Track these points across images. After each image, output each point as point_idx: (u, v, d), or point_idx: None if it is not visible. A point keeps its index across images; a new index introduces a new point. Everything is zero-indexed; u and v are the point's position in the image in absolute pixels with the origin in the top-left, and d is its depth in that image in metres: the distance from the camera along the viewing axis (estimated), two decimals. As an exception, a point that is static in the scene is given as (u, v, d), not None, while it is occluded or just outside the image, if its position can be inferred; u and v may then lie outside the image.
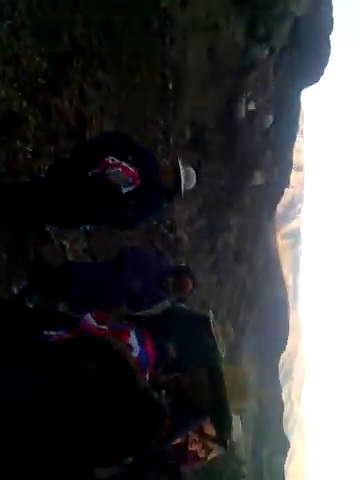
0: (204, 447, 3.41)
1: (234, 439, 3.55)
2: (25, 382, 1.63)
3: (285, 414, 31.01)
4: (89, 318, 1.81)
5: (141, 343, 1.82)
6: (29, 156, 3.93)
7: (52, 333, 1.82)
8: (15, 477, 1.61)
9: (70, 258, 4.70)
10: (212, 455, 3.51)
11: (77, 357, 1.68)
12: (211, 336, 3.74)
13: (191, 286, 3.83)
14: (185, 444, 3.29)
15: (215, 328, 3.80)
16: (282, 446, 27.20)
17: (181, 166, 3.46)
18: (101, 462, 1.91)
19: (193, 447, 3.34)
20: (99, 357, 1.65)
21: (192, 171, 3.60)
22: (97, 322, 1.80)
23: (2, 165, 3.50)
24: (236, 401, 1.99)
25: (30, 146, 3.91)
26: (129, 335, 1.79)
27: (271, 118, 15.38)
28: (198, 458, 3.41)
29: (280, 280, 27.68)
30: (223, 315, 16.45)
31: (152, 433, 1.91)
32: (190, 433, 3.36)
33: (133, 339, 1.78)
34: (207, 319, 3.82)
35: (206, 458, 3.47)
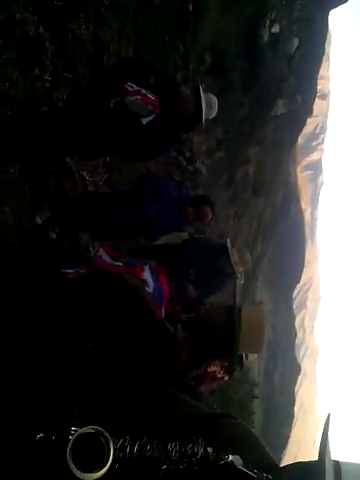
0: (222, 367, 3.62)
1: (250, 358, 3.74)
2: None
3: (297, 341, 32.05)
4: (103, 254, 1.84)
5: (155, 279, 1.86)
6: (47, 84, 3.85)
7: (69, 271, 1.87)
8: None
9: (90, 189, 4.73)
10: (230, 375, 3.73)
11: (93, 293, 1.76)
12: (229, 263, 3.81)
13: (210, 215, 3.87)
14: (205, 366, 3.49)
15: (233, 256, 3.85)
16: (293, 371, 28.40)
17: (203, 93, 3.36)
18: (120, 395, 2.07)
19: (212, 368, 3.54)
20: (114, 292, 1.73)
21: (214, 98, 3.50)
22: (111, 258, 1.84)
23: (22, 94, 3.45)
24: (252, 344, 2.07)
25: (48, 74, 3.82)
26: (143, 270, 1.81)
27: (296, 42, 14.55)
28: (216, 378, 3.62)
29: (298, 214, 27.52)
30: (240, 247, 16.61)
31: (167, 365, 2.03)
32: None
33: (147, 274, 1.80)
34: (225, 247, 3.86)
35: (223, 378, 3.69)
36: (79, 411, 1.91)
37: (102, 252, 1.87)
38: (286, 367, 26.83)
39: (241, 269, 3.86)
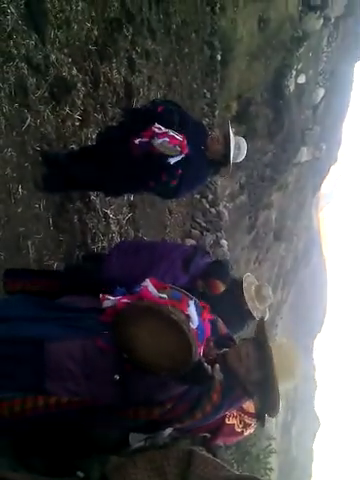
0: (242, 421, 3.42)
1: (272, 417, 3.51)
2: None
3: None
4: (149, 285, 1.78)
5: (199, 315, 1.78)
6: (77, 123, 3.93)
7: (110, 298, 1.83)
8: None
9: (113, 227, 4.73)
10: (249, 430, 3.51)
11: (137, 323, 1.70)
12: (243, 299, 3.61)
13: (221, 289, 3.66)
14: (223, 417, 3.30)
15: (249, 291, 3.64)
16: (313, 425, 27.21)
17: (232, 135, 3.37)
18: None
19: (231, 421, 3.35)
20: (159, 325, 1.66)
21: (244, 142, 3.49)
22: (157, 290, 1.77)
23: (51, 131, 3.52)
24: (285, 378, 1.93)
25: (78, 113, 3.91)
26: (188, 305, 1.74)
27: (321, 92, 14.80)
28: (235, 432, 3.42)
29: (320, 260, 27.17)
30: (261, 283, 16.33)
31: (199, 406, 1.92)
32: None
33: (192, 310, 1.73)
34: (240, 283, 3.67)
35: (243, 433, 3.47)
36: (84, 472, 1.80)
37: (148, 282, 1.81)
38: (305, 421, 25.75)
39: (259, 307, 3.67)
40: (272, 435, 12.37)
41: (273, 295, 4.00)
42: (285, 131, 13.60)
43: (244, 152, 3.56)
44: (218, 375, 1.92)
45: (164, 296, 1.72)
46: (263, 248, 15.81)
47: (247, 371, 1.95)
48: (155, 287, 1.77)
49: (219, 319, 2.18)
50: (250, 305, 3.56)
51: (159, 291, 1.75)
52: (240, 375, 1.96)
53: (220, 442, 3.82)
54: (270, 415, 2.15)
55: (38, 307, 1.99)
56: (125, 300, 1.78)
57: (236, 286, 3.73)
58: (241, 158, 3.60)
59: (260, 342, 1.96)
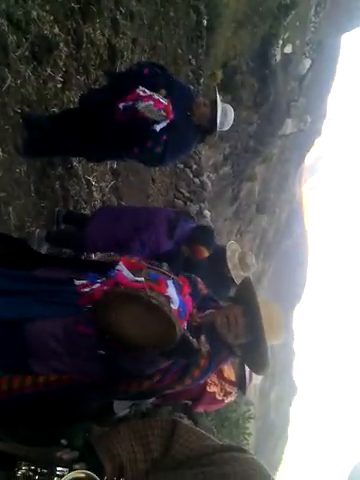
0: (222, 390, 3.46)
1: (257, 382, 3.57)
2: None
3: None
4: (122, 268, 1.72)
5: (179, 293, 1.75)
6: (59, 85, 3.80)
7: (84, 283, 1.77)
8: None
9: (96, 195, 4.65)
10: (230, 398, 3.57)
11: (117, 313, 1.67)
12: (226, 267, 3.60)
13: (206, 254, 3.64)
14: (204, 385, 3.34)
15: (232, 260, 3.62)
16: (290, 392, 28.05)
17: (220, 101, 3.29)
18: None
19: (212, 389, 3.39)
20: (139, 311, 1.64)
21: (231, 109, 3.41)
22: (132, 272, 1.72)
23: (33, 93, 3.39)
24: (270, 337, 1.94)
25: (60, 75, 3.77)
26: (167, 286, 1.69)
27: (308, 63, 14.63)
28: (216, 400, 3.47)
29: (302, 233, 27.45)
30: (246, 251, 16.48)
31: (188, 373, 1.93)
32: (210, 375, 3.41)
33: (171, 290, 1.69)
34: (224, 251, 3.67)
35: (223, 401, 3.53)
36: (67, 441, 1.80)
37: (121, 266, 1.75)
38: (283, 387, 26.52)
39: (243, 274, 3.66)
40: (251, 401, 12.69)
41: (255, 262, 4.00)
42: (271, 102, 13.45)
43: (231, 119, 3.48)
44: (204, 347, 1.92)
45: (141, 279, 1.66)
46: (245, 220, 15.87)
47: (235, 337, 1.95)
48: (130, 268, 1.72)
49: (198, 280, 2.15)
50: (233, 273, 3.57)
51: (135, 273, 1.70)
52: (228, 340, 1.96)
53: (201, 409, 3.89)
54: (259, 373, 2.16)
55: (12, 279, 1.91)
56: (102, 288, 1.72)
57: (220, 254, 3.73)
58: (228, 126, 3.52)
59: (249, 306, 1.94)
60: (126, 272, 1.71)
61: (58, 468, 1.10)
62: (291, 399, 28.96)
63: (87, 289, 1.77)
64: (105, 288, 1.71)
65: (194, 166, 8.81)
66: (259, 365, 2.05)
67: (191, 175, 8.63)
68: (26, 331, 1.77)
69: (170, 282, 1.73)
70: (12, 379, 1.79)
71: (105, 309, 1.69)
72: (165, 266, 2.06)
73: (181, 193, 8.14)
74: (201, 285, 2.12)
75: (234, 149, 12.99)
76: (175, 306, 1.67)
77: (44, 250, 3.57)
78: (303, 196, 27.74)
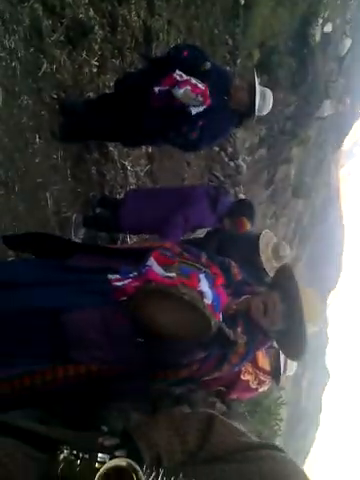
0: (256, 378, 3.45)
1: (289, 373, 3.53)
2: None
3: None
4: (153, 263, 1.70)
5: (212, 285, 1.72)
6: (94, 69, 3.78)
7: (118, 278, 1.76)
8: None
9: (131, 179, 4.65)
10: (263, 387, 3.54)
11: (149, 306, 1.66)
12: (259, 258, 3.52)
13: (248, 226, 3.61)
14: (238, 373, 3.33)
15: (266, 251, 3.53)
16: (323, 378, 27.81)
17: (258, 85, 3.19)
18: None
19: (246, 377, 3.38)
20: (173, 308, 1.62)
21: (270, 93, 3.31)
22: (163, 268, 1.70)
23: (68, 78, 3.39)
24: (308, 325, 1.89)
25: (96, 59, 3.74)
26: (199, 280, 1.67)
27: (348, 42, 14.06)
28: (249, 388, 3.46)
29: (338, 218, 26.82)
30: (279, 241, 16.28)
31: (226, 360, 1.91)
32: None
33: (204, 284, 1.66)
34: (257, 239, 3.58)
35: (257, 389, 3.52)
36: (109, 429, 1.82)
37: (152, 261, 1.73)
38: (316, 374, 26.30)
39: (276, 265, 3.57)
40: (283, 386, 12.65)
41: (290, 252, 3.90)
42: (309, 83, 13.05)
43: (270, 104, 3.38)
44: (241, 338, 1.89)
45: (172, 275, 1.64)
46: (280, 203, 15.60)
47: (272, 323, 1.91)
48: (161, 263, 1.70)
49: (232, 263, 2.09)
50: (267, 265, 3.47)
51: (166, 268, 1.67)
52: (264, 327, 1.92)
53: (235, 396, 3.89)
54: (294, 359, 2.12)
55: (47, 270, 1.92)
56: (134, 284, 1.70)
57: (253, 242, 3.64)
58: (267, 110, 3.42)
59: (287, 292, 1.88)
60: (157, 268, 1.70)
61: (99, 454, 1.10)
62: (324, 386, 28.71)
63: (119, 284, 1.76)
64: (136, 284, 1.71)
65: (229, 149, 8.70)
66: (295, 352, 1.99)
67: (226, 158, 8.52)
68: (64, 321, 1.78)
69: (202, 276, 1.70)
70: (56, 369, 1.81)
71: (138, 306, 1.69)
72: (203, 255, 2.00)
73: (216, 177, 8.06)
74: (235, 269, 2.06)
75: (270, 131, 12.71)
76: (209, 301, 1.65)
77: (81, 234, 3.61)
78: (340, 181, 27.02)
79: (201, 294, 1.64)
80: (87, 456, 1.09)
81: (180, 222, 3.39)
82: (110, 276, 1.79)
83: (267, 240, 3.49)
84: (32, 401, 1.93)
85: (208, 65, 3.10)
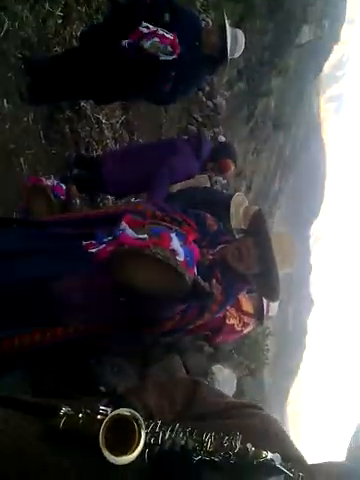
0: (241, 321, 3.62)
1: (271, 314, 3.70)
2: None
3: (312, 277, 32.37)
4: (125, 227, 1.75)
5: (184, 242, 1.79)
6: (59, 21, 3.58)
7: (92, 242, 1.81)
8: None
9: (107, 133, 4.55)
10: (248, 329, 3.73)
11: (125, 268, 1.72)
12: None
13: (232, 168, 3.67)
14: (223, 318, 3.49)
15: (237, 215, 3.58)
16: (307, 305, 28.93)
17: (228, 27, 3.07)
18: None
19: (231, 321, 3.55)
20: (145, 268, 1.68)
21: (241, 34, 3.19)
22: (134, 230, 1.75)
23: (32, 34, 3.22)
24: (282, 267, 2.00)
25: (60, 9, 3.54)
26: (171, 239, 1.73)
27: None
28: (235, 331, 3.64)
29: (320, 148, 26.69)
30: (260, 183, 16.32)
31: (207, 308, 2.00)
32: (229, 308, 3.54)
33: (175, 242, 1.73)
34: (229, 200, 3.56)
35: (242, 331, 3.70)
36: (105, 388, 1.92)
37: (124, 225, 1.79)
38: (300, 302, 27.32)
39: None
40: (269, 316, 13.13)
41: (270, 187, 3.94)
42: (285, 8, 12.48)
43: (242, 45, 3.26)
44: (217, 289, 1.97)
45: (144, 237, 1.71)
46: (261, 138, 15.41)
47: (248, 267, 2.00)
48: (132, 226, 1.75)
49: (207, 216, 2.16)
50: (236, 231, 3.51)
51: (137, 231, 1.73)
52: (240, 271, 2.01)
53: (221, 340, 4.09)
54: (271, 300, 2.25)
55: (29, 239, 1.99)
56: (108, 249, 1.76)
57: (225, 203, 3.64)
58: (239, 52, 3.32)
59: (260, 237, 1.97)
60: (129, 231, 1.76)
61: (101, 406, 1.13)
62: (308, 312, 29.94)
63: (94, 249, 1.82)
64: (110, 248, 1.77)
65: (207, 88, 8.45)
66: (271, 292, 2.12)
67: (204, 98, 8.30)
68: (51, 289, 1.86)
69: (173, 235, 1.77)
70: (44, 330, 1.89)
71: (115, 269, 1.77)
72: (178, 211, 2.07)
73: (194, 118, 7.89)
74: (210, 220, 2.13)
75: (248, 62, 12.30)
76: (181, 258, 1.72)
77: None
78: (321, 108, 26.58)
79: (173, 252, 1.71)
80: (89, 411, 1.12)
81: (165, 174, 3.40)
82: (85, 242, 1.85)
83: (237, 203, 3.53)
84: (22, 362, 2.04)
85: (167, 17, 2.97)
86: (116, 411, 1.07)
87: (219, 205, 3.46)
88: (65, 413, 1.13)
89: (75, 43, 3.73)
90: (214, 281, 1.97)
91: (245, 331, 3.81)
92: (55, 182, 2.95)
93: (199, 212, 2.17)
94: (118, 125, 4.82)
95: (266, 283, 2.04)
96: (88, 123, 4.12)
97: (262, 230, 1.99)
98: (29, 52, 3.19)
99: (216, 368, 4.10)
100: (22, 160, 3.17)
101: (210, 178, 6.19)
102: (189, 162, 3.55)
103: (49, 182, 2.88)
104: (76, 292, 1.86)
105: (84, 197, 3.95)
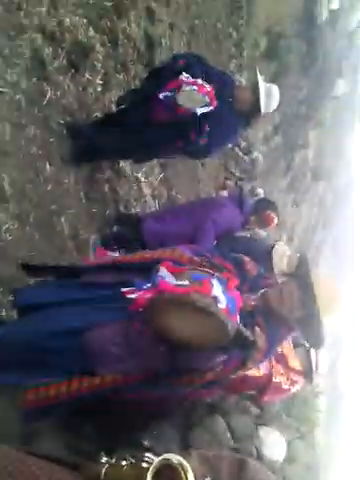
0: (288, 379, 3.44)
1: (321, 371, 3.52)
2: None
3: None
4: (165, 274, 1.72)
5: (225, 289, 1.73)
6: (99, 88, 3.78)
7: (131, 290, 1.78)
8: None
9: (145, 190, 4.65)
10: (296, 387, 3.53)
11: (164, 316, 1.67)
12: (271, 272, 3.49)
13: (276, 219, 3.64)
14: (269, 375, 3.33)
15: (279, 264, 3.51)
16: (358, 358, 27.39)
17: (261, 81, 3.13)
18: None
19: (278, 379, 3.38)
20: (187, 313, 1.63)
21: (275, 88, 3.24)
22: (174, 276, 1.71)
23: (73, 101, 3.40)
24: (326, 312, 1.92)
25: (100, 77, 3.74)
26: (212, 285, 1.68)
27: (358, 15, 13.70)
28: (282, 390, 3.46)
29: (362, 196, 26.25)
30: (300, 235, 16.10)
31: (250, 357, 1.92)
32: (275, 365, 3.38)
33: (217, 288, 1.68)
34: (270, 249, 3.54)
35: (290, 390, 3.51)
36: (149, 443, 1.84)
37: (163, 271, 1.76)
38: (351, 355, 25.96)
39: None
40: (317, 383, 12.49)
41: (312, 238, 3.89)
42: (320, 63, 12.78)
43: (277, 99, 3.31)
44: (260, 338, 1.90)
45: (184, 283, 1.66)
46: (300, 190, 15.37)
47: (290, 311, 1.94)
48: (172, 272, 1.71)
49: (246, 259, 2.11)
50: (281, 276, 3.45)
51: (177, 277, 1.68)
52: (282, 315, 1.95)
53: (267, 399, 3.89)
54: (315, 347, 2.15)
55: (62, 289, 2.00)
56: (146, 295, 1.72)
57: (267, 252, 3.59)
58: (274, 106, 3.35)
59: (303, 280, 1.92)
60: (169, 278, 1.72)
61: (146, 454, 1.08)
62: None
63: (133, 295, 1.80)
64: (149, 295, 1.73)
65: (243, 143, 8.61)
66: (315, 339, 2.05)
67: (240, 153, 8.44)
68: (86, 340, 1.84)
69: (215, 281, 1.71)
70: (82, 379, 1.86)
71: (153, 317, 1.72)
72: (216, 254, 2.02)
73: (231, 173, 7.99)
74: (249, 265, 2.08)
75: (284, 117, 12.52)
76: (223, 305, 1.66)
77: None
78: (361, 158, 26.42)
79: (215, 299, 1.65)
80: (132, 459, 1.07)
81: (210, 227, 3.40)
82: (123, 289, 1.81)
83: (281, 253, 3.48)
84: (60, 410, 1.99)
85: (203, 71, 3.08)
86: (162, 457, 1.01)
87: (261, 253, 3.44)
88: (107, 461, 1.08)
89: (114, 108, 3.90)
90: (257, 328, 1.91)
91: (293, 389, 3.62)
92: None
93: (237, 256, 2.14)
94: (157, 182, 4.92)
95: (309, 328, 1.98)
96: (127, 182, 4.23)
97: (305, 273, 1.96)
98: (70, 118, 3.35)
99: (263, 431, 3.87)
100: (63, 219, 3.25)
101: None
102: (232, 216, 3.57)
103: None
104: (112, 342, 1.82)
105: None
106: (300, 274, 2.00)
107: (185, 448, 2.28)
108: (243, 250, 3.56)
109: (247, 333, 1.78)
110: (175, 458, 1.01)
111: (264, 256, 3.41)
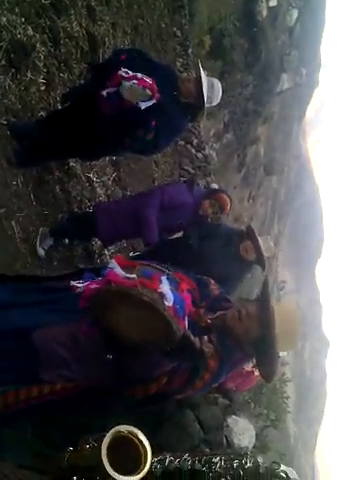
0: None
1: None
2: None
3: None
4: (115, 266, 1.68)
5: (175, 288, 1.69)
6: (42, 88, 3.70)
7: (79, 284, 1.74)
8: None
9: (99, 191, 4.60)
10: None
11: (108, 310, 1.65)
12: (258, 249, 3.50)
13: (230, 202, 3.70)
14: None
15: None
16: (323, 346, 28.22)
17: (204, 75, 3.15)
18: None
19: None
20: (131, 309, 1.61)
21: (217, 81, 3.28)
22: (124, 269, 1.68)
23: (16, 101, 3.31)
24: (284, 340, 1.89)
25: (42, 77, 3.67)
26: (160, 282, 1.64)
27: (295, 13, 14.09)
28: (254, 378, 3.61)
29: (313, 188, 27.07)
30: (257, 229, 16.40)
31: (198, 375, 1.90)
32: None
33: (165, 286, 1.63)
34: (250, 230, 3.60)
35: (253, 372, 3.68)
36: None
37: (114, 264, 1.72)
38: (315, 344, 26.68)
39: (266, 255, 3.64)
40: (286, 361, 12.73)
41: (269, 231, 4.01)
42: (263, 60, 13.06)
43: (219, 92, 3.35)
44: (207, 347, 1.87)
45: (133, 276, 1.62)
46: (255, 184, 15.67)
47: (246, 331, 1.91)
48: (123, 266, 1.68)
49: (210, 280, 2.11)
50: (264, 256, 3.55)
51: (127, 270, 1.66)
52: (239, 335, 1.92)
53: (231, 385, 3.97)
54: (267, 379, 2.09)
55: (20, 292, 1.94)
56: (93, 286, 1.68)
57: (232, 235, 3.69)
58: (217, 100, 3.39)
59: (262, 302, 1.91)
60: (118, 270, 1.68)
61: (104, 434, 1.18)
62: (325, 353, 29.16)
63: (80, 286, 1.74)
64: (95, 286, 1.69)
65: (195, 140, 8.65)
66: (268, 368, 1.99)
67: (193, 150, 8.48)
68: (34, 340, 1.78)
69: (164, 278, 1.68)
70: (19, 391, 1.80)
71: (99, 307, 1.68)
72: (180, 271, 1.99)
73: (186, 171, 8.02)
74: (213, 285, 2.08)
75: (234, 114, 12.72)
76: (169, 303, 1.62)
77: (47, 245, 3.54)
78: (309, 150, 27.21)
79: (161, 295, 1.61)
80: (94, 442, 1.18)
81: (150, 211, 3.49)
82: (72, 282, 1.77)
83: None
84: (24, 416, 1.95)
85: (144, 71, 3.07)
86: (111, 431, 1.08)
87: (227, 237, 3.62)
88: (68, 451, 1.19)
89: (59, 107, 3.83)
90: (206, 338, 1.87)
91: (256, 373, 3.73)
92: None
93: (201, 277, 2.12)
94: (110, 182, 4.88)
95: (264, 357, 1.93)
96: (79, 182, 4.17)
97: (266, 296, 1.94)
98: (14, 118, 3.27)
99: (231, 420, 3.89)
100: (13, 223, 3.16)
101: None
102: (181, 189, 3.69)
103: None
104: (60, 344, 1.78)
105: (81, 254, 3.93)
106: (261, 296, 1.98)
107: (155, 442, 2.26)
108: (213, 233, 3.67)
109: (194, 339, 1.71)
110: (124, 428, 1.09)
111: (231, 237, 3.56)
